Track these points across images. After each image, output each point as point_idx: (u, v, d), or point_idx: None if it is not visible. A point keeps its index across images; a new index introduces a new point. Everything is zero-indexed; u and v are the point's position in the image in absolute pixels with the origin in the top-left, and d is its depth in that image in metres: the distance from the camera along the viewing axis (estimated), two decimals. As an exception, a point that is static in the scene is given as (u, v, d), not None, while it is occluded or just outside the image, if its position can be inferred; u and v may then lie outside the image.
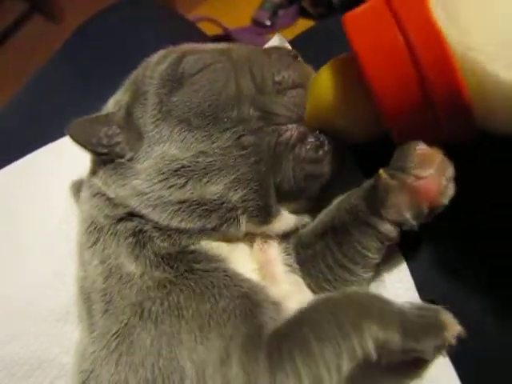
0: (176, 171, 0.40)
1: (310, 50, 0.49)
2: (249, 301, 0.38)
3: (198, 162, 0.40)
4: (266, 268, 0.43)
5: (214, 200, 0.40)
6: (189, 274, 0.39)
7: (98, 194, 0.44)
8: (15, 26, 1.77)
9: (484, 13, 0.34)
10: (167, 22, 0.72)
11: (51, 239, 0.50)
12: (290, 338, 0.35)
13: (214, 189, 0.40)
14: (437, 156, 0.37)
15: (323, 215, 0.44)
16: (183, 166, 0.40)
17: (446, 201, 0.38)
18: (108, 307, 0.39)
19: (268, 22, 1.39)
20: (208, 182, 0.40)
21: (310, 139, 0.42)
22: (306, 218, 0.45)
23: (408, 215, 0.38)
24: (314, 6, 1.39)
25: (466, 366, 0.40)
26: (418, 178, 0.37)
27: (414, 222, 0.38)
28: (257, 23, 1.39)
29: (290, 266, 0.44)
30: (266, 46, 0.57)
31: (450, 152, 0.39)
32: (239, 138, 0.40)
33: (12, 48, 1.75)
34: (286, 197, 0.43)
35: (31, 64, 1.72)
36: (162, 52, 0.47)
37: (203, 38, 0.77)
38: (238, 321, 0.36)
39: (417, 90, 0.35)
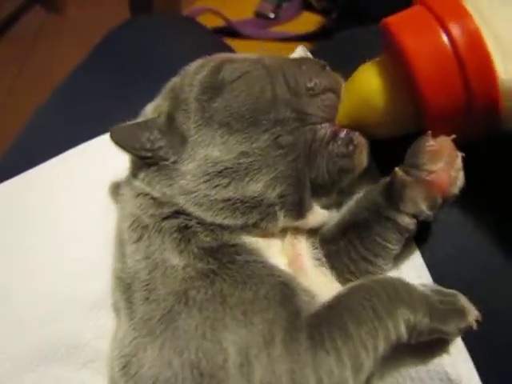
0: (220, 172, 0.43)
1: (330, 58, 0.51)
2: (286, 288, 0.41)
3: (239, 163, 0.43)
4: (296, 262, 0.45)
5: (255, 197, 0.43)
6: (231, 265, 0.41)
7: (140, 194, 0.46)
8: (16, 16, 1.76)
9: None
10: (185, 30, 0.76)
11: (90, 230, 0.52)
12: (328, 321, 0.39)
13: (255, 187, 0.43)
14: (445, 149, 0.41)
15: (344, 212, 0.47)
16: (226, 168, 0.43)
17: (456, 190, 0.41)
18: (149, 295, 0.41)
19: (272, 15, 1.38)
20: (250, 180, 0.43)
21: (342, 135, 0.44)
22: (334, 213, 0.48)
23: (424, 207, 0.42)
24: (318, 0, 1.38)
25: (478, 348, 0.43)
26: (430, 172, 0.41)
27: (429, 213, 0.42)
28: (260, 16, 1.39)
29: (318, 259, 0.47)
30: (292, 56, 0.60)
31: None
32: (277, 138, 0.43)
33: (13, 39, 1.74)
34: (320, 192, 0.46)
35: (32, 54, 1.71)
36: (199, 61, 0.49)
37: (224, 46, 0.79)
38: (278, 306, 0.39)
39: (459, 90, 0.39)
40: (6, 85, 1.61)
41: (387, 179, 0.44)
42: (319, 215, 0.47)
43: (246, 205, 0.43)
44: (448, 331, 0.41)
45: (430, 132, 0.42)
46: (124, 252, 0.45)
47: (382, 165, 0.49)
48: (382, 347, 0.38)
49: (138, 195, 0.46)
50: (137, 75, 0.64)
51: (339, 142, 0.44)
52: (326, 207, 0.48)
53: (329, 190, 0.46)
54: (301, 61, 0.49)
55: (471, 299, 0.42)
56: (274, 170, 0.43)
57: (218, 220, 0.43)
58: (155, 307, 0.40)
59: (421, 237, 0.46)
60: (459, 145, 0.42)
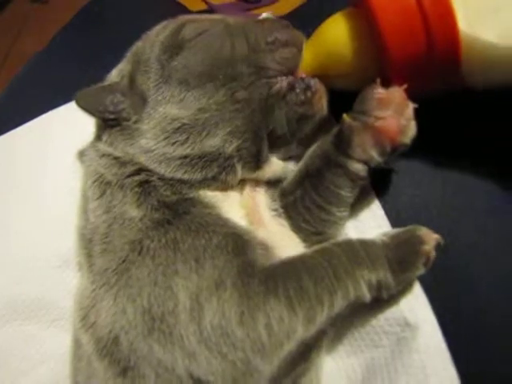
0: (177, 129, 0.43)
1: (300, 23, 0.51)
2: (239, 239, 0.41)
3: (196, 118, 0.43)
4: (254, 213, 0.46)
5: (213, 152, 0.44)
6: (186, 216, 0.42)
7: (104, 155, 0.46)
8: (1, 6, 1.76)
9: None
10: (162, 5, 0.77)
11: (56, 192, 0.54)
12: (284, 273, 0.39)
13: (212, 141, 0.43)
14: (394, 98, 0.42)
15: (301, 163, 0.48)
16: (184, 124, 0.43)
17: (407, 140, 0.42)
18: (107, 247, 0.42)
19: (255, -4, 1.37)
20: (207, 135, 0.43)
21: (298, 84, 0.45)
22: (291, 165, 0.49)
23: (373, 153, 0.42)
24: (300, -19, 1.38)
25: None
26: (378, 118, 0.41)
27: (379, 159, 0.42)
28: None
29: (275, 210, 0.47)
30: None
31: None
32: (233, 93, 0.43)
33: (-2, 29, 1.74)
34: (278, 143, 0.46)
35: (18, 45, 1.71)
36: (161, 24, 0.49)
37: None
38: (230, 255, 0.40)
39: (422, 40, 0.40)
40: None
41: (337, 128, 0.45)
42: (277, 166, 0.47)
43: (204, 159, 0.44)
44: (414, 276, 0.42)
45: (378, 80, 0.42)
46: (87, 208, 0.46)
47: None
48: (338, 305, 0.39)
49: (102, 156, 0.46)
50: (106, 47, 0.63)
51: (297, 91, 0.44)
52: (285, 159, 0.48)
53: (288, 141, 0.47)
54: (263, 20, 0.49)
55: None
56: (230, 125, 0.43)
57: (178, 175, 0.44)
58: (112, 257, 0.41)
59: (382, 187, 0.47)
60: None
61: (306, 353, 0.41)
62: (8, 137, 0.59)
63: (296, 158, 0.49)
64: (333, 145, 0.44)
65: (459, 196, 0.47)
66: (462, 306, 0.43)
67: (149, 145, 0.44)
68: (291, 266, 0.40)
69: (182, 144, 0.43)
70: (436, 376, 0.40)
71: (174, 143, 0.44)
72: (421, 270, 0.42)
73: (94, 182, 0.46)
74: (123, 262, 0.40)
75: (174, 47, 0.45)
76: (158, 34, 0.47)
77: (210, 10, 1.28)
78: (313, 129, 0.48)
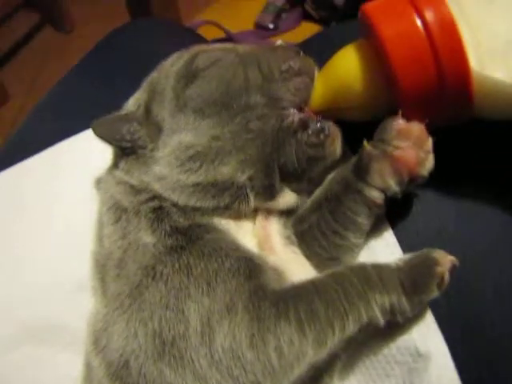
0: (191, 157, 0.44)
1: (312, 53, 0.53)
2: (252, 263, 0.42)
3: (210, 146, 0.44)
4: (266, 241, 0.46)
5: (226, 180, 0.44)
6: (199, 241, 0.42)
7: (120, 182, 0.47)
8: (26, 37, 1.82)
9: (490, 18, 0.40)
10: (179, 35, 0.79)
11: (76, 217, 0.54)
12: (296, 297, 0.39)
13: (225, 169, 0.44)
14: (415, 130, 0.42)
15: (317, 191, 0.48)
16: (198, 152, 0.44)
17: (425, 172, 0.42)
18: (120, 272, 0.43)
19: (271, 26, 1.40)
20: (219, 163, 0.44)
21: (312, 125, 0.45)
22: (305, 198, 0.49)
23: (391, 181, 0.42)
24: (317, 10, 1.40)
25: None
26: (397, 147, 0.42)
27: (396, 189, 0.43)
28: (260, 27, 1.41)
29: (288, 238, 0.47)
30: None
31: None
32: (247, 123, 0.44)
33: (23, 59, 1.80)
34: (290, 177, 0.46)
35: (43, 75, 1.77)
36: (175, 54, 0.51)
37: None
38: (242, 279, 0.40)
39: (433, 75, 0.40)
40: (18, 102, 1.66)
41: (357, 155, 0.45)
42: (290, 198, 0.47)
43: (217, 188, 0.44)
44: (428, 298, 0.41)
45: (400, 112, 0.43)
46: (102, 234, 0.47)
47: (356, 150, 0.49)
48: (350, 328, 0.38)
49: (119, 183, 0.47)
50: (123, 74, 0.66)
51: (310, 132, 0.45)
52: (298, 192, 0.48)
53: (299, 177, 0.47)
54: (275, 47, 0.50)
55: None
56: (243, 154, 0.44)
57: (191, 203, 0.44)
58: (125, 282, 0.42)
59: (394, 214, 0.47)
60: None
61: (317, 377, 0.41)
62: (19, 167, 0.60)
63: (308, 192, 0.49)
64: (352, 171, 0.45)
65: (473, 223, 0.47)
66: (475, 336, 0.43)
67: (163, 172, 0.45)
68: (303, 289, 0.40)
69: (196, 171, 0.44)
70: None
71: (187, 171, 0.44)
72: (435, 293, 0.41)
73: (110, 208, 0.46)
74: (137, 286, 0.41)
75: (188, 77, 0.46)
76: (172, 65, 0.49)
77: (228, 38, 1.32)
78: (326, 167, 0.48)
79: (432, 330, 0.42)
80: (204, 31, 1.30)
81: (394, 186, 0.42)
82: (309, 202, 0.48)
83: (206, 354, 0.37)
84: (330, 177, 0.48)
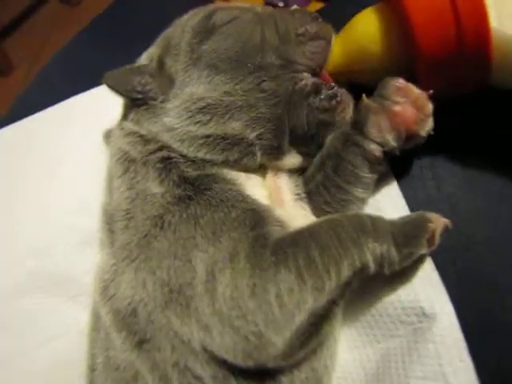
0: (202, 109, 0.44)
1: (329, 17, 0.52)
2: (258, 214, 0.42)
3: (221, 100, 0.44)
4: (276, 194, 0.47)
5: (235, 135, 0.44)
6: (207, 191, 0.43)
7: (130, 133, 0.47)
8: (31, 9, 1.81)
9: None
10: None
11: (84, 171, 0.55)
12: (294, 244, 0.39)
13: (235, 125, 0.44)
14: (414, 90, 0.42)
15: (322, 150, 0.48)
16: (208, 104, 0.44)
17: (423, 132, 0.42)
18: (128, 223, 0.43)
19: (281, 4, 1.38)
20: (230, 118, 0.44)
21: (325, 90, 0.45)
22: (311, 160, 0.49)
23: (388, 136, 0.43)
24: (327, -12, 1.39)
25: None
26: (395, 102, 0.42)
27: (394, 144, 0.43)
28: (269, 4, 1.39)
29: (298, 194, 0.48)
30: None
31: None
32: (260, 82, 0.44)
33: (28, 30, 1.79)
34: (299, 140, 0.46)
35: (48, 47, 1.75)
36: (192, 11, 0.50)
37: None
38: (246, 228, 0.40)
39: (453, 37, 0.40)
40: (22, 74, 1.65)
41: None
42: (296, 159, 0.48)
43: (226, 141, 0.44)
44: (418, 252, 0.41)
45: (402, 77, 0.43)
46: (111, 186, 0.47)
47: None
48: (345, 273, 0.38)
49: (128, 134, 0.47)
50: (134, 38, 0.64)
51: (322, 96, 0.45)
52: (305, 154, 0.48)
53: (308, 141, 0.47)
54: (294, 10, 0.49)
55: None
56: (254, 111, 0.44)
57: (200, 155, 0.44)
58: (134, 233, 0.42)
59: (403, 178, 0.48)
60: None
61: (317, 325, 0.40)
62: (29, 121, 0.61)
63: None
64: (350, 125, 0.45)
65: (474, 188, 0.47)
66: (484, 303, 0.43)
67: (172, 123, 0.45)
68: (299, 236, 0.40)
69: (205, 124, 0.44)
70: (451, 366, 0.40)
71: (197, 122, 0.44)
72: (424, 248, 0.41)
73: (119, 159, 0.47)
74: (145, 236, 0.41)
75: (205, 32, 0.46)
76: (188, 20, 0.49)
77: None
78: None
79: (438, 291, 0.42)
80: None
81: (391, 140, 0.43)
82: (314, 161, 0.48)
83: (208, 303, 0.37)
84: (331, 135, 0.47)
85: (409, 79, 0.44)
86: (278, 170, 0.48)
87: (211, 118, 0.44)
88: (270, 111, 0.44)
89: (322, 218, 0.43)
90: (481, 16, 0.39)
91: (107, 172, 0.49)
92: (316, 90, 0.45)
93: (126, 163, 0.46)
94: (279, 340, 0.36)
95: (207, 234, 0.40)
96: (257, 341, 0.36)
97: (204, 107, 0.44)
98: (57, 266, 0.51)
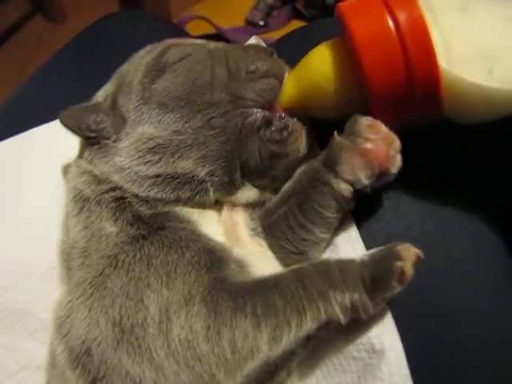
0: (152, 148, 0.45)
1: (288, 49, 0.54)
2: (213, 255, 0.42)
3: (171, 140, 0.45)
4: (232, 231, 0.47)
5: (186, 174, 0.45)
6: (160, 231, 0.43)
7: (84, 172, 0.48)
8: (17, 25, 1.81)
9: (464, 25, 0.41)
10: (162, 32, 0.76)
11: (43, 206, 0.55)
12: (255, 291, 0.40)
13: (185, 164, 0.44)
14: (383, 128, 0.43)
15: (287, 184, 0.48)
16: (158, 144, 0.45)
17: (394, 170, 0.43)
18: (84, 261, 0.44)
19: (261, 22, 1.40)
20: (180, 157, 0.45)
21: (276, 122, 0.45)
22: (267, 194, 0.49)
23: (360, 174, 0.42)
24: (307, 8, 1.41)
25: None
26: (367, 139, 0.42)
27: (366, 182, 0.43)
28: (250, 23, 1.41)
29: (254, 229, 0.48)
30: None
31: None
32: (210, 119, 0.44)
33: (13, 47, 1.79)
34: (252, 174, 0.47)
35: (32, 63, 1.76)
36: (147, 47, 0.51)
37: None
38: (202, 271, 0.41)
39: (402, 74, 0.41)
40: (7, 90, 1.65)
41: (327, 147, 0.45)
42: (251, 193, 0.48)
43: (177, 180, 0.45)
44: (390, 294, 0.40)
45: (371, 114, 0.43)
46: (68, 224, 0.47)
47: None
48: (307, 326, 0.38)
49: (82, 173, 0.48)
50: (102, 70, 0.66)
51: (273, 128, 0.45)
52: (260, 187, 0.49)
53: (262, 174, 0.47)
54: (248, 46, 0.50)
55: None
56: (204, 149, 0.44)
57: (151, 194, 0.45)
58: (88, 271, 0.42)
59: (360, 213, 0.48)
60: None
61: (273, 373, 0.41)
62: None
63: (271, 189, 0.50)
64: (321, 162, 0.45)
65: (439, 226, 0.48)
66: (436, 337, 0.43)
67: (123, 163, 0.45)
68: (263, 284, 0.40)
69: (155, 163, 0.45)
70: None
71: (147, 162, 0.45)
72: (396, 288, 0.40)
73: (74, 197, 0.47)
74: (99, 275, 0.41)
75: (157, 70, 0.47)
76: (142, 57, 0.49)
77: (217, 33, 1.32)
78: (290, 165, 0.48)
79: (388, 327, 0.43)
80: (194, 26, 1.30)
81: (363, 178, 0.42)
82: (278, 194, 0.48)
83: (163, 344, 0.38)
84: (299, 169, 0.48)
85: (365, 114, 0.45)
86: (234, 204, 0.48)
87: (161, 158, 0.44)
88: (219, 148, 0.44)
89: (290, 268, 0.42)
90: (429, 57, 0.40)
91: (64, 209, 0.49)
92: (267, 123, 0.45)
93: (80, 202, 0.46)
94: (230, 383, 0.37)
95: (161, 275, 0.40)
96: (210, 381, 0.37)
97: (154, 147, 0.45)
98: (15, 302, 0.51)
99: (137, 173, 0.45)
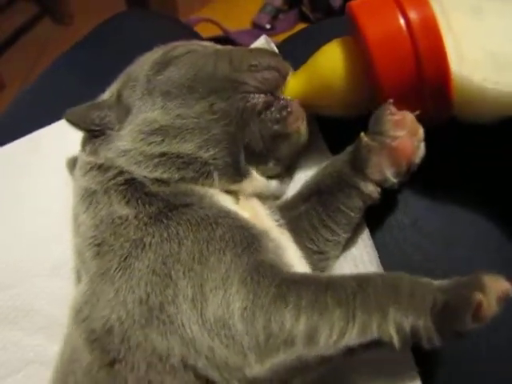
0: (154, 131, 0.45)
1: (290, 52, 0.53)
2: (247, 232, 0.41)
3: (173, 123, 0.45)
4: (255, 218, 0.45)
5: (189, 155, 0.44)
6: (184, 209, 0.42)
7: (88, 168, 0.48)
8: (25, 28, 1.82)
9: (476, 28, 0.41)
10: (172, 31, 0.78)
11: (50, 204, 0.55)
12: (304, 284, 0.37)
13: (188, 146, 0.44)
14: (408, 119, 0.42)
15: (309, 180, 0.48)
16: (161, 126, 0.45)
17: (417, 160, 0.43)
18: (100, 249, 0.42)
19: (268, 26, 1.41)
20: (182, 139, 0.45)
21: (276, 103, 0.46)
22: (274, 184, 0.49)
23: (388, 173, 0.43)
24: (314, 11, 1.41)
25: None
26: (395, 138, 0.42)
27: (394, 180, 0.43)
28: (257, 26, 1.42)
29: (277, 220, 0.47)
30: (254, 44, 0.62)
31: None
32: (212, 105, 0.45)
33: (21, 50, 1.80)
34: (256, 158, 0.47)
35: (39, 66, 1.77)
36: (155, 49, 0.52)
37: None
38: (238, 249, 0.39)
39: (413, 72, 0.41)
40: (13, 92, 1.66)
41: (352, 147, 0.45)
42: (258, 182, 0.48)
43: (181, 160, 0.44)
44: (461, 329, 0.33)
45: (391, 100, 0.43)
46: (78, 224, 0.47)
47: (334, 142, 0.51)
48: (352, 336, 0.34)
49: (86, 171, 0.48)
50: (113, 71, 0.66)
51: (273, 109, 0.45)
52: (267, 176, 0.49)
53: (265, 158, 0.47)
54: (253, 48, 0.52)
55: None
56: (206, 133, 0.45)
57: (157, 174, 0.44)
58: (111, 258, 0.41)
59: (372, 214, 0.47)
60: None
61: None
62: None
63: (278, 176, 0.50)
64: (348, 164, 0.45)
65: (453, 229, 0.47)
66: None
67: (126, 146, 0.46)
68: (315, 280, 0.38)
69: (159, 144, 0.45)
70: None
71: (150, 143, 0.45)
72: (468, 324, 0.33)
73: (82, 197, 0.47)
74: (125, 259, 0.40)
75: (162, 64, 0.48)
76: (149, 57, 0.50)
77: (224, 36, 1.33)
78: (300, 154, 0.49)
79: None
80: (200, 29, 1.31)
81: (391, 177, 0.43)
82: (298, 190, 0.48)
83: (197, 320, 0.37)
84: (322, 167, 0.48)
85: (370, 113, 0.45)
86: (247, 196, 0.48)
87: (163, 140, 0.45)
88: (222, 131, 0.45)
89: (352, 274, 0.41)
90: (440, 58, 0.40)
91: (72, 212, 0.49)
92: (268, 106, 0.46)
93: (88, 199, 0.46)
94: (258, 367, 0.35)
95: (193, 252, 0.39)
96: (240, 360, 0.36)
97: (157, 129, 0.45)
98: (22, 298, 0.50)
99: (141, 153, 0.45)
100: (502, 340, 0.44)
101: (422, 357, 0.42)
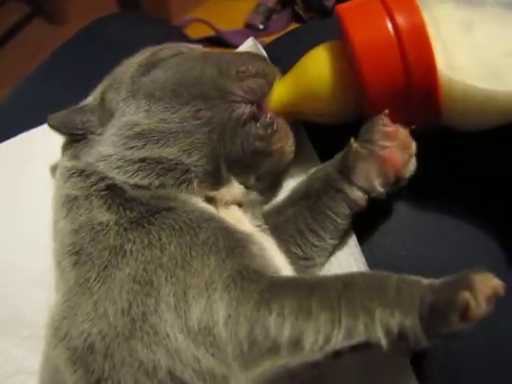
0: (136, 134, 0.44)
1: (279, 52, 0.54)
2: (232, 236, 0.41)
3: (157, 126, 0.44)
4: (238, 223, 0.45)
5: (171, 160, 0.44)
6: (167, 213, 0.41)
7: (70, 175, 0.47)
8: (17, 27, 1.81)
9: (465, 36, 0.41)
10: (160, 33, 0.79)
11: (35, 210, 0.54)
12: (288, 289, 0.36)
13: (170, 150, 0.44)
14: (400, 132, 0.42)
15: (297, 185, 0.48)
16: (143, 130, 0.44)
17: (407, 174, 0.42)
18: (78, 258, 0.41)
19: (261, 26, 1.40)
20: (165, 143, 0.44)
21: (262, 118, 0.45)
22: (254, 194, 0.49)
23: (375, 182, 0.42)
24: (307, 11, 1.40)
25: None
26: (384, 147, 0.42)
27: (380, 190, 0.42)
28: (250, 27, 1.41)
29: (258, 226, 0.46)
30: (242, 46, 0.62)
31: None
32: (197, 111, 0.44)
33: (13, 50, 1.78)
34: (236, 168, 0.46)
35: (32, 66, 1.75)
36: (142, 51, 0.51)
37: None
38: (222, 254, 0.39)
39: (401, 79, 0.41)
40: (6, 93, 1.65)
41: (342, 153, 0.45)
42: (237, 190, 0.47)
43: (161, 166, 0.44)
44: (448, 331, 0.32)
45: (386, 111, 0.43)
46: (57, 230, 0.46)
47: (324, 149, 0.50)
48: (338, 340, 0.33)
49: (68, 177, 0.47)
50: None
51: (258, 124, 0.45)
52: (246, 187, 0.48)
53: (246, 171, 0.47)
54: (242, 52, 0.51)
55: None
56: (190, 137, 0.44)
57: (136, 180, 0.44)
58: (89, 267, 0.40)
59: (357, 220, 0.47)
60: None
61: None
62: None
63: (257, 189, 0.49)
64: (335, 169, 0.45)
65: (442, 231, 0.47)
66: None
67: (107, 151, 0.45)
68: (300, 283, 0.37)
69: (140, 149, 0.44)
70: None
71: (131, 147, 0.44)
72: (455, 325, 0.31)
73: (62, 203, 0.46)
74: (105, 268, 0.39)
75: (148, 65, 0.47)
76: (136, 59, 0.50)
77: (217, 36, 1.32)
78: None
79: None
80: (193, 29, 1.30)
81: (378, 187, 0.42)
82: (286, 196, 0.48)
83: (181, 330, 0.36)
84: (311, 171, 0.48)
85: (360, 120, 0.45)
86: (226, 203, 0.47)
87: (145, 144, 0.44)
88: (205, 138, 0.44)
89: (337, 274, 0.40)
90: (429, 65, 0.40)
91: (52, 218, 0.48)
92: (253, 118, 0.45)
93: (69, 205, 0.45)
94: (243, 376, 0.35)
95: (175, 257, 0.38)
96: (226, 370, 0.35)
97: (139, 133, 0.44)
98: (7, 307, 0.50)
99: (121, 158, 0.44)
100: (500, 335, 0.44)
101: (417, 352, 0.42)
